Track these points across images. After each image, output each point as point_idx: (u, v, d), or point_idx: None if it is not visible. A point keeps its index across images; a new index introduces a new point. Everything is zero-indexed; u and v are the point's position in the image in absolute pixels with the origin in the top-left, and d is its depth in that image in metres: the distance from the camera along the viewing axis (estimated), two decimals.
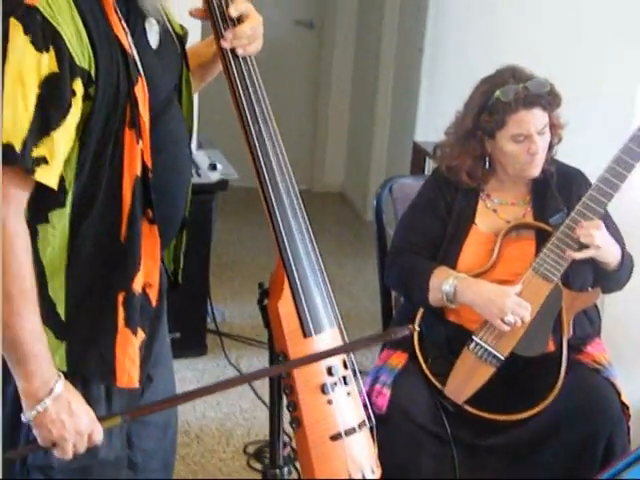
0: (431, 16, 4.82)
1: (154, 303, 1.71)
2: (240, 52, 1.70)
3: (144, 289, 1.67)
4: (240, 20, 1.70)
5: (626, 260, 2.37)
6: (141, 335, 1.68)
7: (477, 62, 3.89)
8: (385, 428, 2.00)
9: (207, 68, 1.88)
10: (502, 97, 2.30)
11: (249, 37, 1.70)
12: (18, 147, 1.44)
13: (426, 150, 3.98)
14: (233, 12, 1.69)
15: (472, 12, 4.33)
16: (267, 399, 3.37)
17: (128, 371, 1.65)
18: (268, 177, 1.71)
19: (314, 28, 6.30)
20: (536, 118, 2.31)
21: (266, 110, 1.73)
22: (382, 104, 5.81)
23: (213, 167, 3.67)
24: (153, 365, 1.79)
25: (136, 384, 1.67)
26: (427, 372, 2.33)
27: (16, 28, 1.43)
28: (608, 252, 2.32)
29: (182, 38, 1.79)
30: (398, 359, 2.38)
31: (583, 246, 2.28)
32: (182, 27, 1.80)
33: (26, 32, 1.43)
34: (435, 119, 4.57)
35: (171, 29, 1.73)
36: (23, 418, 1.57)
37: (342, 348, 1.75)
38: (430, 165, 3.97)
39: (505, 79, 2.34)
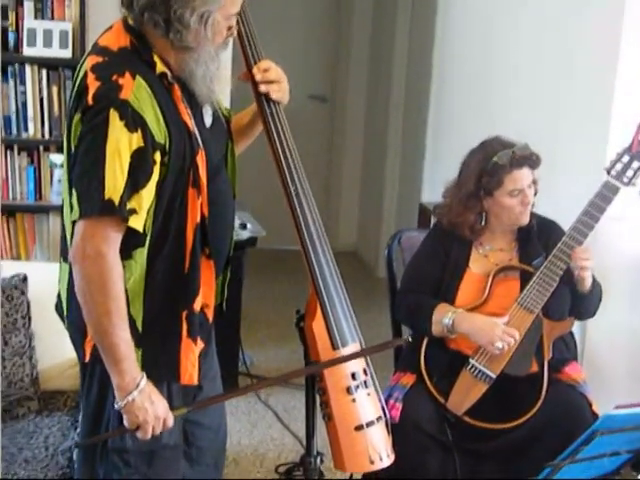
0: (434, 91, 5.33)
1: (210, 320, 2.18)
2: (273, 96, 2.18)
3: (202, 309, 2.14)
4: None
5: (596, 287, 2.83)
6: (200, 344, 2.14)
7: (475, 132, 4.40)
8: (398, 436, 2.41)
9: (247, 129, 2.35)
10: (499, 161, 2.77)
11: (276, 77, 2.19)
12: (117, 201, 1.91)
13: (430, 210, 4.46)
14: (255, 70, 2.18)
15: (471, 86, 4.81)
16: (293, 429, 3.85)
17: (190, 372, 2.11)
18: (304, 223, 2.18)
19: (327, 102, 6.84)
20: (526, 175, 2.80)
21: (297, 162, 2.21)
22: (390, 170, 6.30)
23: (244, 226, 4.17)
24: (203, 376, 2.21)
25: (195, 382, 2.12)
26: (432, 389, 2.77)
27: (114, 115, 1.91)
28: (589, 274, 2.77)
29: (228, 118, 2.27)
30: (408, 379, 2.83)
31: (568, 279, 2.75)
32: (228, 110, 2.29)
33: (121, 118, 1.91)
34: (438, 183, 5.06)
35: (220, 112, 2.21)
36: (116, 406, 2.00)
37: (357, 354, 2.19)
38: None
39: (494, 147, 2.82)
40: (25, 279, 2.96)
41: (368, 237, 6.68)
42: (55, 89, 4.20)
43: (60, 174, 4.30)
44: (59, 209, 4.32)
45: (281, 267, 6.19)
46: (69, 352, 3.03)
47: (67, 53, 4.14)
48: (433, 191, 5.19)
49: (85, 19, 4.16)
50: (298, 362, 4.61)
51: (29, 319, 2.93)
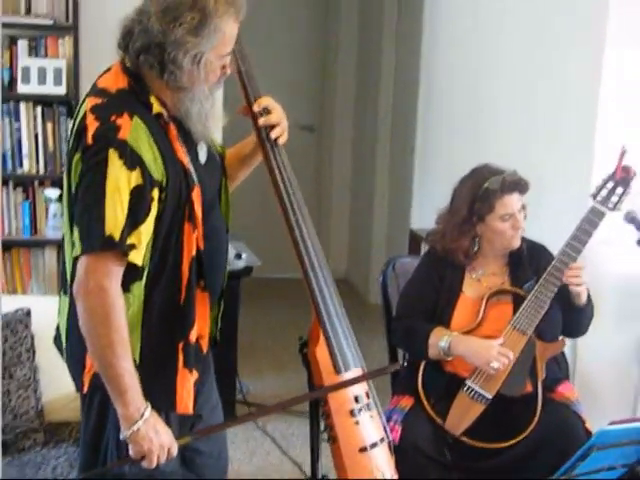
0: (420, 118, 5.44)
1: (205, 350, 2.24)
2: (281, 141, 2.27)
3: (197, 340, 2.20)
4: (268, 112, 2.28)
5: (590, 302, 2.92)
6: (195, 374, 2.20)
7: (462, 158, 4.51)
8: (398, 457, 2.48)
9: (248, 159, 2.42)
10: (490, 186, 2.87)
11: (277, 119, 2.27)
12: (117, 237, 1.97)
13: (421, 236, 4.54)
14: (256, 107, 2.27)
15: (458, 113, 4.92)
16: (292, 455, 3.91)
17: (185, 401, 2.17)
18: (305, 252, 2.27)
19: (315, 132, 6.95)
20: (516, 200, 2.90)
21: (296, 189, 2.30)
22: (379, 198, 6.40)
23: (239, 256, 4.24)
24: (202, 405, 2.28)
25: (190, 411, 2.18)
26: (430, 411, 2.85)
27: (113, 155, 1.98)
28: (585, 289, 2.88)
29: (222, 155, 2.35)
30: (406, 402, 2.91)
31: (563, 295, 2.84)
32: (222, 147, 2.37)
33: (120, 157, 1.99)
34: (427, 209, 5.17)
35: (214, 149, 2.28)
36: (121, 436, 2.05)
37: (358, 378, 2.26)
38: (424, 248, 4.52)
39: (484, 174, 2.92)
40: (29, 313, 3.02)
41: (358, 264, 6.76)
42: (50, 125, 4.29)
43: (55, 208, 4.36)
44: (55, 243, 4.43)
45: (276, 295, 6.28)
46: (72, 384, 3.11)
47: (61, 90, 4.24)
48: (422, 217, 5.28)
49: (79, 56, 4.25)
50: (295, 390, 4.70)
51: (33, 352, 2.99)
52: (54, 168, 4.34)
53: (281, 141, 2.29)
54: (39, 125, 4.28)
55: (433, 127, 5.30)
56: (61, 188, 4.31)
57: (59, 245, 4.44)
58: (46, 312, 3.07)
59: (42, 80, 4.22)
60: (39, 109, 4.27)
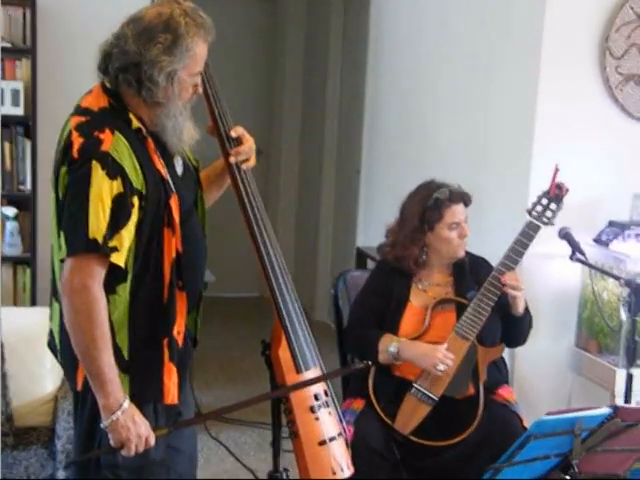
0: (365, 142, 5.67)
1: (181, 345, 2.38)
2: (243, 167, 2.47)
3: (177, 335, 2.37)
4: (239, 140, 2.48)
5: (528, 313, 3.15)
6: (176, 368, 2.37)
7: (405, 180, 4.74)
8: (351, 454, 2.69)
9: (217, 180, 2.60)
10: (440, 196, 3.11)
11: (247, 154, 2.48)
12: (100, 240, 2.15)
13: (368, 253, 4.75)
14: (233, 134, 2.47)
15: (401, 137, 5.15)
16: (245, 461, 4.03)
17: (172, 392, 2.34)
18: (269, 263, 2.47)
19: (262, 154, 7.13)
20: (461, 210, 3.14)
21: (262, 209, 2.50)
22: (325, 219, 6.60)
23: None
24: (182, 402, 2.43)
25: (176, 401, 2.35)
26: (380, 413, 3.04)
27: (96, 166, 2.17)
28: (522, 298, 3.10)
29: (197, 167, 2.53)
30: (358, 404, 3.10)
31: (503, 305, 3.06)
32: (197, 160, 2.55)
33: (102, 168, 2.17)
34: (372, 228, 5.39)
35: (189, 162, 2.47)
36: (101, 425, 2.21)
37: (318, 378, 2.44)
38: (370, 264, 4.74)
39: (432, 187, 3.16)
40: None
41: (304, 283, 6.91)
42: (7, 145, 4.40)
43: (12, 227, 4.48)
44: (10, 260, 4.52)
45: (227, 313, 6.45)
46: (40, 391, 3.25)
47: (19, 111, 4.36)
48: (367, 237, 5.50)
49: (36, 78, 4.39)
50: None
51: (2, 360, 3.11)
52: (11, 187, 4.44)
53: (248, 166, 2.48)
54: None
55: (377, 150, 5.53)
56: (17, 207, 4.48)
57: (15, 262, 4.55)
58: (14, 321, 3.21)
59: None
60: None
